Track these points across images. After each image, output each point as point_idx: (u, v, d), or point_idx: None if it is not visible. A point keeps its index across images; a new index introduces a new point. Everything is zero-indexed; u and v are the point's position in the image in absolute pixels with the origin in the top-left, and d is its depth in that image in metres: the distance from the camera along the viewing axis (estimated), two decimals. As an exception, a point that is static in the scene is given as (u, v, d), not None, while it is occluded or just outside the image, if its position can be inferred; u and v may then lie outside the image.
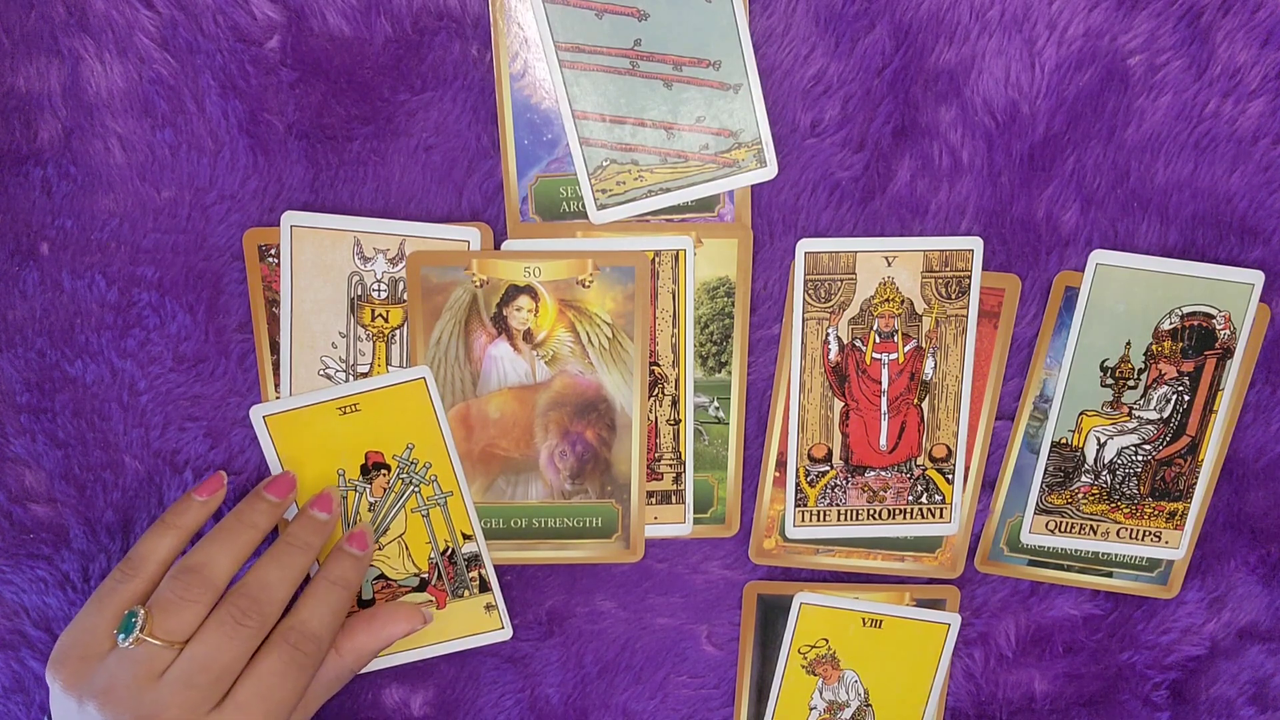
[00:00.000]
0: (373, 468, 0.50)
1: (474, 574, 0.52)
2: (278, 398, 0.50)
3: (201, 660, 0.41)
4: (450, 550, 0.51)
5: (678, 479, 0.52)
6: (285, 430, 0.50)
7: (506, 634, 0.53)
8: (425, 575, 0.51)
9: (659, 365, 0.51)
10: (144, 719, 0.40)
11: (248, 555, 0.45)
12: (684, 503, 0.52)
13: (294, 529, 0.47)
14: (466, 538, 0.51)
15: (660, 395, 0.51)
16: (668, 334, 0.51)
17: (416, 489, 0.50)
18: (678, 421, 0.51)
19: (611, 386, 0.51)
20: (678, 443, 0.52)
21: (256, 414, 0.49)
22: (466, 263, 0.49)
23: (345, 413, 0.49)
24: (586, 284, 0.50)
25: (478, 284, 0.49)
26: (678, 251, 0.50)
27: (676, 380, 0.51)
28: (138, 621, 0.42)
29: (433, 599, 0.51)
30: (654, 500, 0.52)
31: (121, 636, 0.42)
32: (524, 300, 0.50)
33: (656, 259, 0.50)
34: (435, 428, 0.50)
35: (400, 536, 0.51)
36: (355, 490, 0.50)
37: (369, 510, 0.50)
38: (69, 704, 0.42)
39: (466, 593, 0.52)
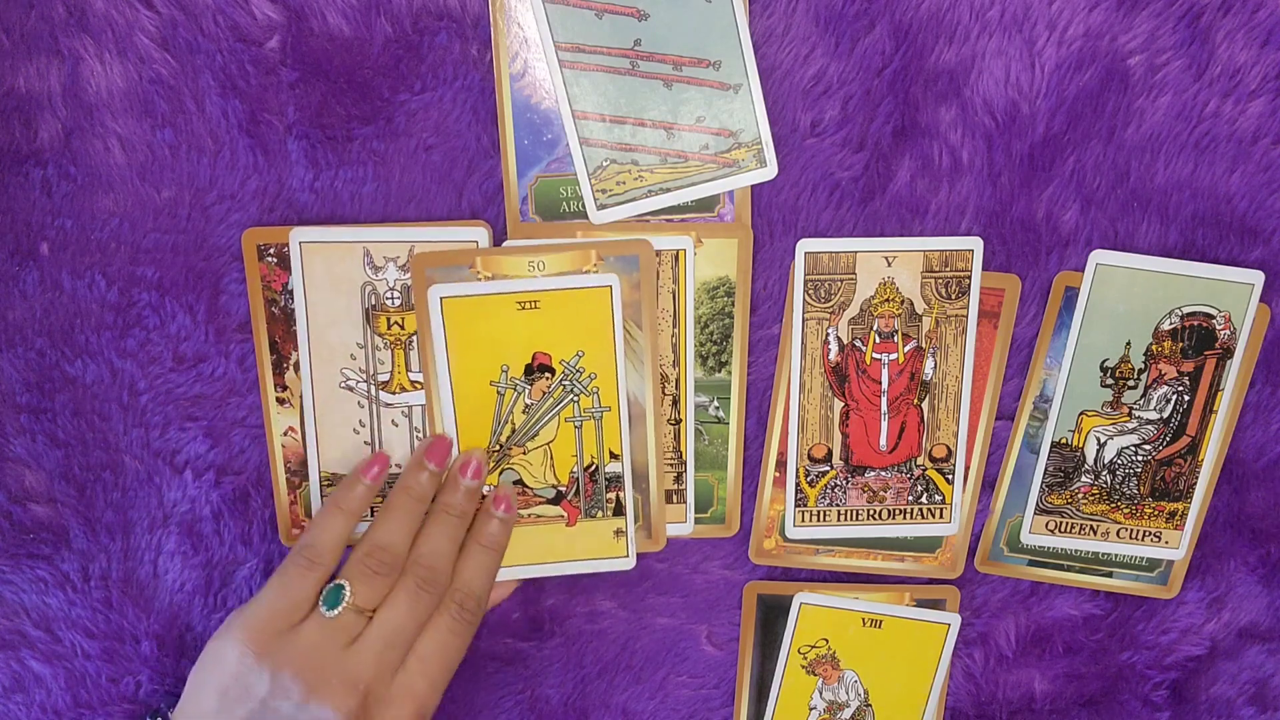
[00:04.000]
0: (537, 369, 0.49)
1: (611, 495, 0.50)
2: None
3: (395, 625, 0.46)
4: (594, 467, 0.50)
5: (678, 479, 0.52)
6: (459, 315, 0.48)
7: (629, 564, 0.51)
8: (563, 489, 0.50)
9: (659, 364, 0.51)
10: (350, 682, 0.44)
11: (418, 524, 0.48)
12: (684, 502, 0.52)
13: (451, 500, 0.49)
14: (614, 456, 0.50)
15: (661, 395, 0.51)
16: (668, 334, 0.51)
17: (575, 398, 0.49)
18: (678, 421, 0.51)
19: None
20: (678, 442, 0.52)
21: (434, 294, 0.48)
22: (470, 261, 0.49)
23: (524, 308, 0.48)
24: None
25: (483, 281, 0.49)
26: (678, 251, 0.50)
27: (677, 380, 0.51)
28: (344, 595, 0.45)
29: (564, 513, 0.50)
30: (654, 500, 0.52)
31: (326, 608, 0.45)
32: None
33: (657, 259, 0.50)
34: (610, 339, 0.48)
35: (548, 444, 0.49)
36: (515, 389, 0.48)
37: (523, 413, 0.49)
38: (256, 676, 0.44)
39: (600, 513, 0.50)
